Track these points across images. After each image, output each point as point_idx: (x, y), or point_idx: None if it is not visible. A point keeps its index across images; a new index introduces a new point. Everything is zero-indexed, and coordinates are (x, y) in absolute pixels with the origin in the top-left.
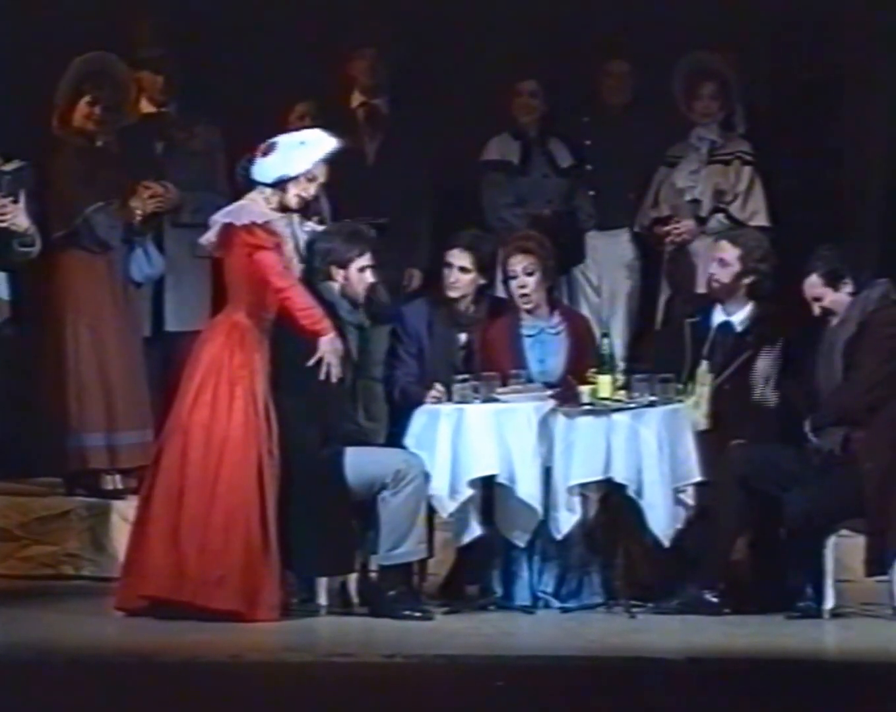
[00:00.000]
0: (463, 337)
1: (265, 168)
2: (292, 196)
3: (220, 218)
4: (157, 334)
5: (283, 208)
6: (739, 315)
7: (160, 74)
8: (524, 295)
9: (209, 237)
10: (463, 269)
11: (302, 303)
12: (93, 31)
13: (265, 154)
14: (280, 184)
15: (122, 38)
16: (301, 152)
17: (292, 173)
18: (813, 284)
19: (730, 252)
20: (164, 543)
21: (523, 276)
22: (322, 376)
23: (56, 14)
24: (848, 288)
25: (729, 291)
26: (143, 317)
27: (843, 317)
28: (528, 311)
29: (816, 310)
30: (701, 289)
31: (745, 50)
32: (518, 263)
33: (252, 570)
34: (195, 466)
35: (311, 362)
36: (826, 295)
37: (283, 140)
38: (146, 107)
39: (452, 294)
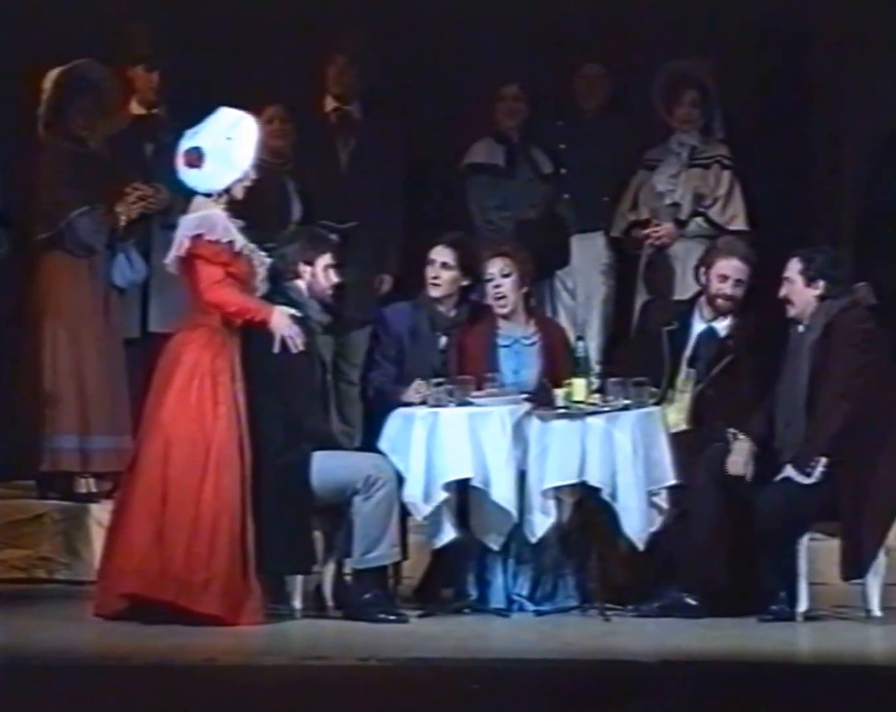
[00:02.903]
0: (443, 340)
1: (207, 179)
2: (240, 190)
3: (189, 232)
4: (145, 335)
5: (231, 203)
6: (723, 321)
7: (155, 71)
8: (500, 296)
9: (177, 254)
10: (445, 266)
11: (234, 302)
12: (84, 31)
13: (195, 164)
14: (227, 188)
15: (117, 37)
16: (236, 149)
17: (241, 174)
18: (792, 267)
19: (744, 271)
20: (146, 544)
21: (499, 278)
22: (294, 349)
23: (46, 13)
24: (817, 290)
25: (735, 306)
26: (131, 318)
27: (808, 323)
28: (504, 316)
29: (783, 290)
30: (680, 293)
31: (722, 55)
32: (495, 266)
33: (237, 575)
34: (179, 468)
35: (276, 348)
36: (796, 282)
37: (206, 144)
38: (136, 109)
39: (434, 293)
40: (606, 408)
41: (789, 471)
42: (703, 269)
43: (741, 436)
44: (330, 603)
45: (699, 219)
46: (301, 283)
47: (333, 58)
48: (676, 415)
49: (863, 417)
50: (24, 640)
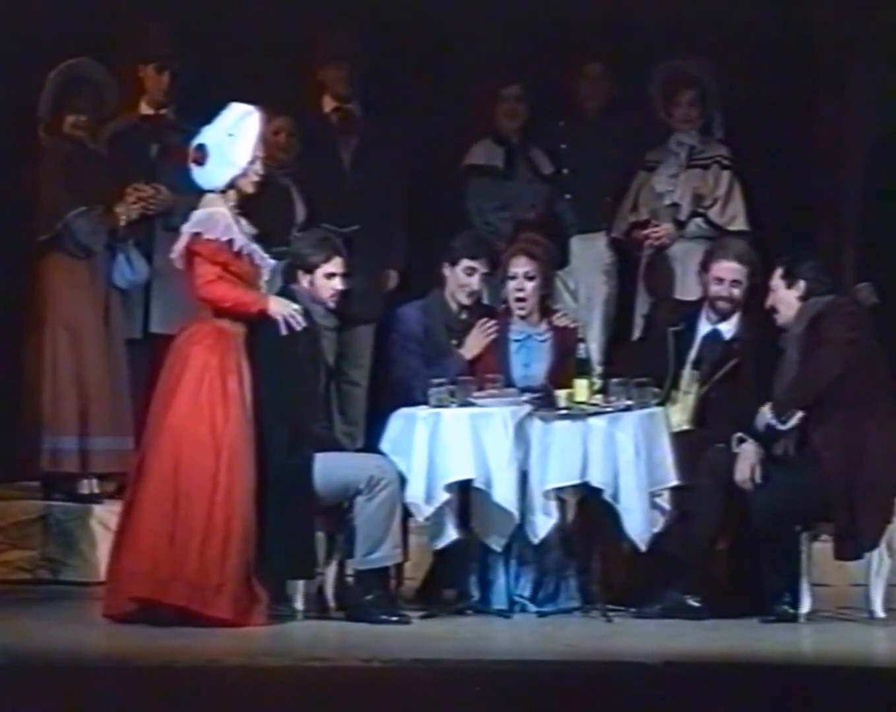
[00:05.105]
0: (454, 342)
1: (208, 176)
2: (248, 185)
3: (189, 229)
4: (147, 336)
5: (243, 198)
6: (728, 324)
7: (165, 72)
8: (520, 299)
9: (178, 249)
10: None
11: (228, 298)
12: (94, 31)
13: (200, 162)
14: (231, 184)
15: (127, 36)
16: (235, 145)
17: (239, 171)
18: (774, 275)
19: (740, 272)
20: (158, 547)
21: (523, 280)
22: (297, 327)
23: (53, 12)
24: (797, 292)
25: (737, 307)
26: (133, 319)
27: (793, 323)
28: (522, 317)
29: (769, 300)
30: (679, 294)
31: (721, 55)
32: (521, 266)
33: (248, 578)
34: (191, 470)
35: (283, 331)
36: (779, 288)
37: (209, 141)
38: (145, 109)
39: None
40: (609, 409)
41: (766, 413)
42: (702, 272)
43: (748, 440)
44: (332, 604)
45: (699, 220)
46: (304, 288)
47: (336, 59)
48: (680, 415)
49: (852, 397)
50: (28, 641)
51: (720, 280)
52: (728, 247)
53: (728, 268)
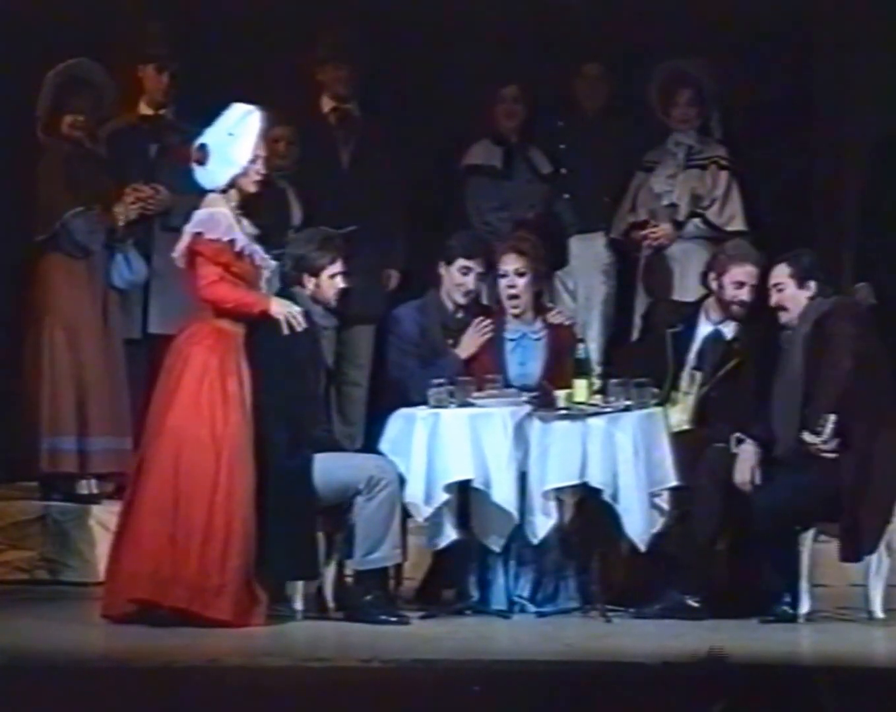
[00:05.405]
0: (450, 341)
1: (209, 176)
2: (249, 184)
3: (191, 229)
4: (147, 336)
5: (245, 198)
6: (729, 324)
7: (165, 72)
8: (513, 296)
9: (180, 248)
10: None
11: (230, 298)
12: (94, 31)
13: (201, 162)
14: (232, 183)
15: (128, 36)
16: (235, 144)
17: (238, 170)
18: (780, 273)
19: (757, 275)
20: (158, 548)
21: (514, 277)
22: (298, 328)
23: (53, 12)
24: (809, 292)
25: (749, 310)
26: (133, 319)
27: (797, 321)
28: (515, 315)
29: (774, 298)
30: (678, 294)
31: (721, 55)
32: (511, 263)
33: (248, 580)
34: (191, 472)
35: (285, 330)
36: (788, 287)
37: (210, 141)
38: (145, 109)
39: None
40: (608, 409)
41: (808, 437)
42: (713, 275)
43: (747, 441)
44: (331, 604)
45: (697, 221)
46: (305, 290)
47: (336, 59)
48: (680, 415)
49: (860, 400)
50: (27, 641)
51: (741, 284)
52: (744, 251)
53: (748, 273)
